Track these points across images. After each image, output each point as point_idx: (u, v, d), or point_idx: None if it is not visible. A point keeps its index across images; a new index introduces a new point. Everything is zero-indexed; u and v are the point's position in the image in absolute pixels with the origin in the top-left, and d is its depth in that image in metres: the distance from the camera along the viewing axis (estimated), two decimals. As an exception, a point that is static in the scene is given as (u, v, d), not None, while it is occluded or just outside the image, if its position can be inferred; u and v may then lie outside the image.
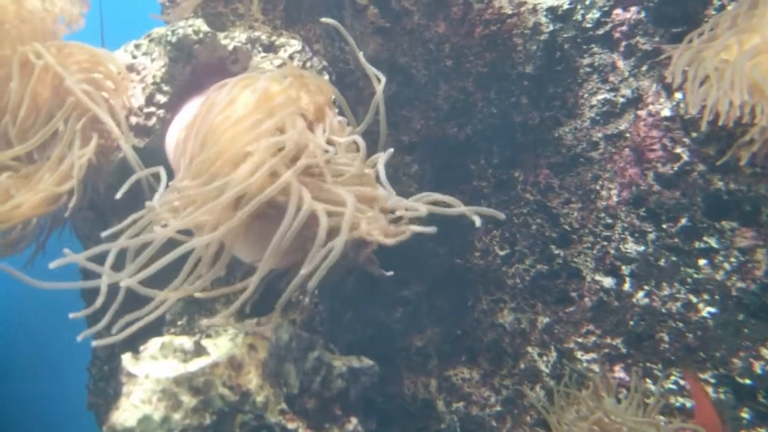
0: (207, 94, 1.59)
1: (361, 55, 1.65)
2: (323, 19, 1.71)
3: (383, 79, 1.62)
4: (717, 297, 1.86)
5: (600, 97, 2.18)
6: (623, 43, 2.15)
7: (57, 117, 1.70)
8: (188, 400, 1.47)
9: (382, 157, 1.51)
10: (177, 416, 1.45)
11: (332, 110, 1.59)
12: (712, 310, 1.86)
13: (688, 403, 1.86)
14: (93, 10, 1.98)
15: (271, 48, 1.97)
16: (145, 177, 1.60)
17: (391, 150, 1.56)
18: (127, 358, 1.50)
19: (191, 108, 1.79)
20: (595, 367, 2.05)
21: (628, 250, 2.03)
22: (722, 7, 1.94)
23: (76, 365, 2.10)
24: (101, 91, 1.77)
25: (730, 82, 1.67)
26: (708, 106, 1.69)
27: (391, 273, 1.48)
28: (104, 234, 1.40)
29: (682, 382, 1.88)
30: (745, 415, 1.78)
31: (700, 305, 1.88)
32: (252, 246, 1.47)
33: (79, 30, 1.90)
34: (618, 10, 2.16)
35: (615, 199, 2.09)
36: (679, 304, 1.92)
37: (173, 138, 1.72)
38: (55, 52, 1.72)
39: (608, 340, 2.06)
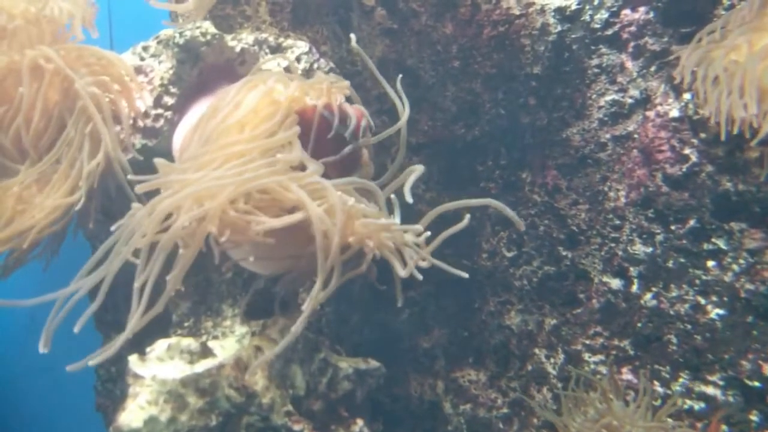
0: (214, 98, 1.60)
1: (389, 88, 1.68)
2: (351, 37, 1.74)
3: (407, 110, 1.67)
4: (725, 299, 1.84)
5: (608, 98, 2.17)
6: (632, 44, 2.14)
7: (69, 125, 1.71)
8: (194, 401, 1.48)
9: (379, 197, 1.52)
10: (183, 417, 1.46)
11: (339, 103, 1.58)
12: (721, 311, 1.85)
13: (696, 406, 1.85)
14: (101, 13, 1.99)
15: (278, 49, 1.97)
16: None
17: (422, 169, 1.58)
18: (133, 360, 1.51)
19: (198, 110, 1.80)
20: (603, 369, 2.04)
21: (636, 252, 2.02)
22: (732, 7, 1.92)
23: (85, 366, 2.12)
24: (110, 93, 1.78)
25: (740, 86, 1.65)
26: (722, 113, 1.68)
27: (384, 287, 1.48)
28: (113, 227, 1.41)
29: (690, 385, 1.87)
30: (754, 417, 1.77)
31: (709, 307, 1.87)
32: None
33: (86, 31, 1.91)
34: (626, 11, 2.15)
35: (623, 200, 2.08)
36: (687, 305, 1.91)
37: (180, 140, 1.73)
38: (63, 55, 1.73)
39: (616, 342, 2.05)
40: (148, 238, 1.31)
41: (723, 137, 1.69)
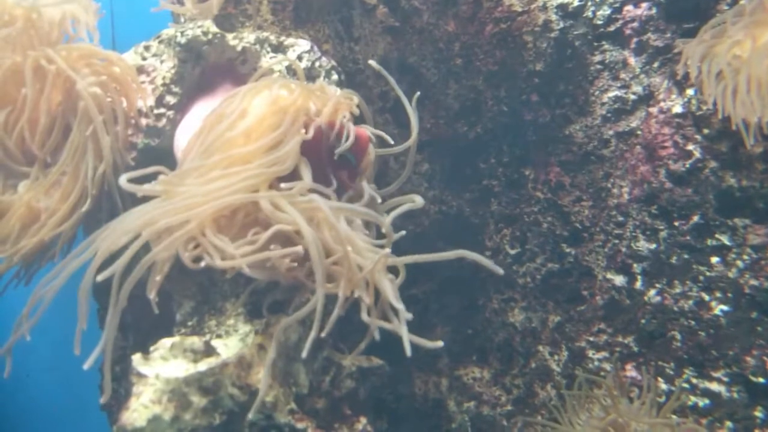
0: (219, 103, 1.61)
1: (410, 110, 1.69)
2: (370, 62, 1.78)
3: (415, 133, 1.69)
4: (730, 295, 1.84)
5: (611, 94, 2.17)
6: (634, 40, 2.13)
7: (74, 127, 1.71)
8: (198, 400, 1.48)
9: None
10: (187, 416, 1.46)
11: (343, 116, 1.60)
12: (725, 308, 1.84)
13: (701, 402, 1.84)
14: (103, 12, 2.00)
15: (279, 48, 1.97)
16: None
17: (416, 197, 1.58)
18: (137, 359, 1.51)
19: (200, 109, 1.80)
20: (607, 366, 2.04)
21: (640, 248, 2.02)
22: (735, 2, 1.92)
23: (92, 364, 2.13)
24: (112, 94, 1.78)
25: (747, 83, 1.65)
26: (737, 116, 1.68)
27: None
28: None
29: (694, 381, 1.87)
30: (758, 414, 1.76)
31: (713, 303, 1.87)
32: None
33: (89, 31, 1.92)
34: (629, 7, 2.15)
35: (626, 196, 2.08)
36: (691, 302, 1.90)
37: (182, 141, 1.74)
38: (65, 56, 1.73)
39: (620, 339, 2.05)
40: (103, 252, 1.33)
41: (749, 144, 1.69)
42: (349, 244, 1.40)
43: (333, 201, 1.49)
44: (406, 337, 1.33)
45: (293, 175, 1.49)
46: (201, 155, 1.48)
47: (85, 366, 1.34)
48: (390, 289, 1.39)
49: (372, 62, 1.78)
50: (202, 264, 1.40)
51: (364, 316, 1.40)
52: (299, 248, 1.37)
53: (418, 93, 1.76)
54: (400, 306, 1.36)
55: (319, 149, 1.54)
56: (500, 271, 1.33)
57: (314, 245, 1.33)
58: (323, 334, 1.34)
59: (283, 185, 1.44)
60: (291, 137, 1.48)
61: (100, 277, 1.33)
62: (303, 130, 1.49)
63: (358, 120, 1.66)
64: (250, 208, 1.44)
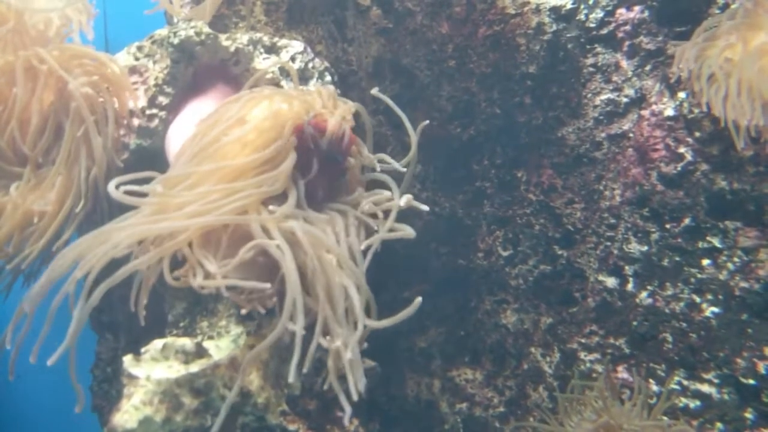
0: (217, 108, 1.61)
1: (412, 132, 1.73)
2: (373, 91, 1.79)
3: (414, 150, 1.71)
4: (720, 297, 1.85)
5: (603, 97, 2.17)
6: (627, 43, 2.14)
7: (67, 128, 1.71)
8: (189, 401, 1.48)
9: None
10: (178, 418, 1.46)
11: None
12: (716, 310, 1.85)
13: (692, 404, 1.85)
14: (96, 13, 1.99)
15: (272, 49, 1.97)
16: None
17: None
18: (128, 360, 1.51)
19: (192, 110, 1.80)
20: (599, 368, 2.04)
21: (632, 251, 2.02)
22: (726, 6, 1.93)
23: (80, 366, 2.12)
24: (103, 94, 1.78)
25: (738, 88, 1.66)
26: (729, 119, 1.69)
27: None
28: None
29: (685, 383, 1.88)
30: (748, 415, 1.77)
31: (704, 305, 1.88)
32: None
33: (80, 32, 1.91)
34: (621, 10, 2.15)
35: (618, 199, 2.08)
36: (682, 304, 1.91)
37: (173, 141, 1.73)
38: (57, 56, 1.73)
39: (611, 341, 2.05)
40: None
41: (740, 147, 1.71)
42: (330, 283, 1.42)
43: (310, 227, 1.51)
44: (360, 382, 1.39)
45: (284, 195, 1.50)
46: (193, 159, 1.47)
47: (49, 362, 1.33)
48: (354, 339, 1.41)
49: (374, 91, 1.78)
50: (181, 279, 1.41)
51: (330, 362, 1.44)
52: (267, 285, 1.39)
53: (426, 122, 1.79)
54: (348, 355, 1.40)
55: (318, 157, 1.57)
56: (417, 301, 1.38)
57: (294, 284, 1.36)
58: (305, 370, 1.36)
59: (271, 208, 1.45)
60: (285, 154, 1.49)
61: (79, 273, 1.34)
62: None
63: (358, 130, 1.68)
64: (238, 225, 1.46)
